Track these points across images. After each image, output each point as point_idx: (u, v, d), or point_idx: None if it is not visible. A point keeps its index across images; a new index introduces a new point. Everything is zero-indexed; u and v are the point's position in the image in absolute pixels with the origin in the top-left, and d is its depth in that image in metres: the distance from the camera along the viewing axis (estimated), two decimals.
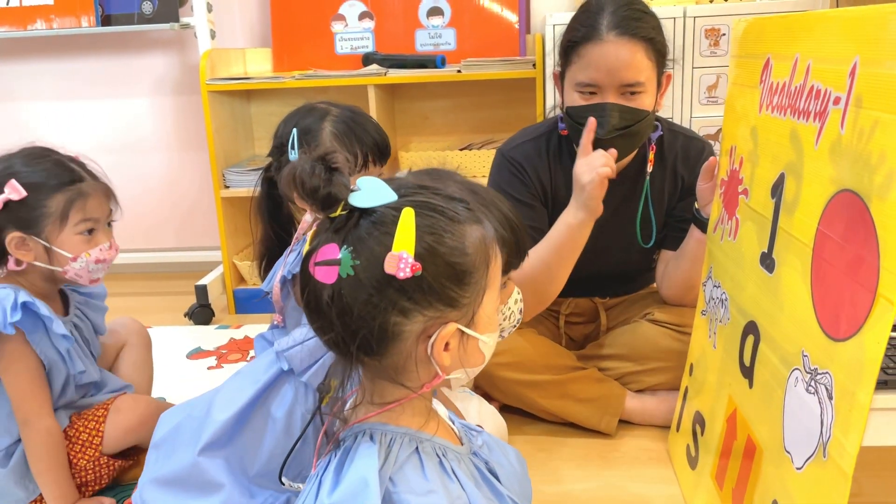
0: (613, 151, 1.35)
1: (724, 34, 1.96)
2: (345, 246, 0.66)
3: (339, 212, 0.68)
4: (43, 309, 1.22)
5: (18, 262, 1.23)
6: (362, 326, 0.67)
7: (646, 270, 1.66)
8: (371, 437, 0.72)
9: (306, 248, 0.70)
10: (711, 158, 1.36)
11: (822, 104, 0.86)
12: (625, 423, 1.54)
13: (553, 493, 1.34)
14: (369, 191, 0.68)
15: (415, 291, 0.66)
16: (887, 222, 0.72)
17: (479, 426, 0.88)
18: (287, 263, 1.17)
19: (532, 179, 1.52)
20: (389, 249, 0.65)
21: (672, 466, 1.40)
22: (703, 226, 1.40)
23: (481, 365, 0.76)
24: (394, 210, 0.67)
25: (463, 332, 0.71)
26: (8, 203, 1.19)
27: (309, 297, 0.69)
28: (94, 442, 1.31)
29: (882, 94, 0.73)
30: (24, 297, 1.20)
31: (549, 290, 1.46)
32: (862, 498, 1.27)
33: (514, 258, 0.76)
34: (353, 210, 0.68)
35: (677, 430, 1.42)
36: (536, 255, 1.39)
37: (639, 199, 1.56)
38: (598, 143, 1.39)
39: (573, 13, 1.46)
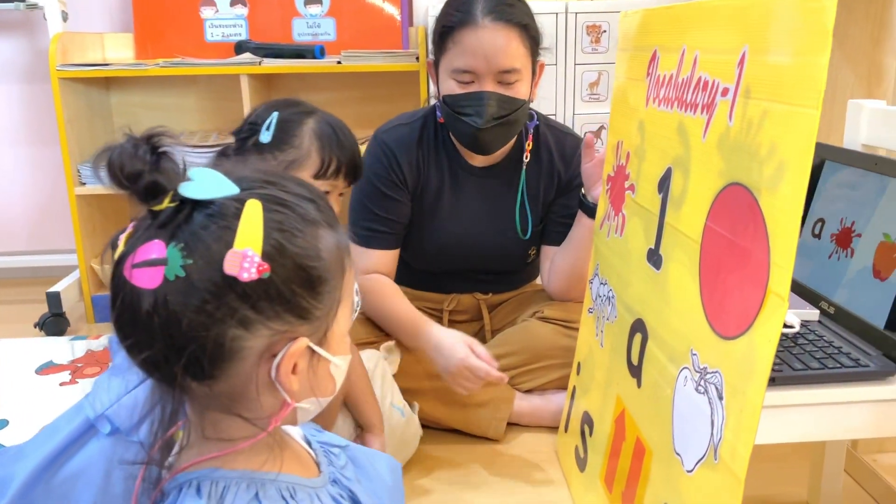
0: (502, 377, 1.31)
1: (605, 31, 1.97)
2: (173, 243, 0.55)
3: (165, 204, 0.56)
4: None
5: None
6: (192, 341, 0.55)
7: (522, 265, 1.65)
8: (198, 490, 0.60)
9: (119, 250, 0.57)
10: (587, 136, 1.38)
11: (709, 96, 0.84)
12: (513, 424, 1.50)
13: None
14: (205, 181, 0.57)
15: (260, 298, 0.56)
16: (777, 216, 0.69)
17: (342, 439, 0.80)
18: None
19: (399, 165, 1.50)
20: (230, 246, 0.55)
21: (561, 469, 1.37)
22: (590, 211, 1.40)
23: (332, 395, 0.66)
24: (237, 202, 0.57)
25: (314, 352, 0.62)
26: None
27: (122, 307, 0.56)
28: None
29: (771, 83, 0.71)
30: None
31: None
32: (745, 492, 1.27)
33: None
34: (183, 202, 0.57)
35: (566, 430, 1.39)
36: (383, 318, 1.49)
37: (514, 191, 1.56)
38: (477, 132, 1.38)
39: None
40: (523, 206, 1.55)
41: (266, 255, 0.56)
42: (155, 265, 0.54)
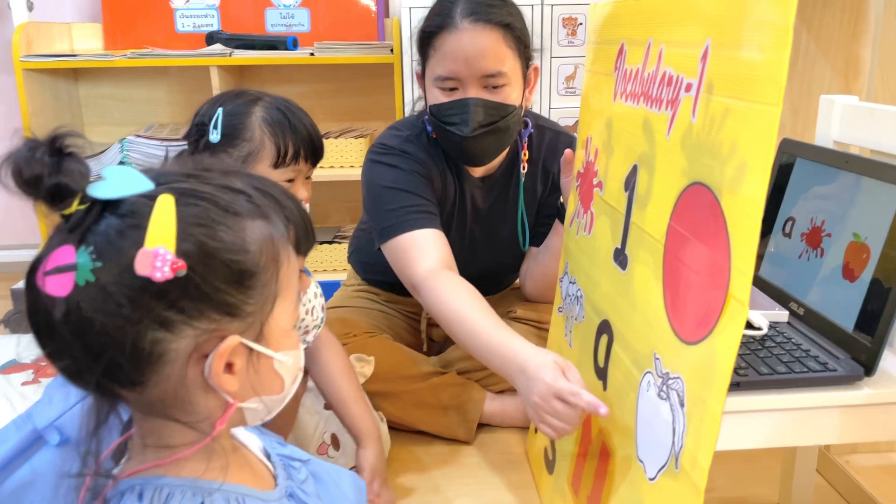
0: (602, 410, 0.92)
1: (581, 23, 1.94)
2: (83, 246, 0.52)
3: (75, 207, 0.53)
4: None
5: None
6: (108, 347, 0.53)
7: (514, 271, 1.62)
8: (140, 496, 0.58)
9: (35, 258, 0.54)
10: (567, 151, 1.32)
11: (674, 91, 0.81)
12: (484, 425, 1.48)
13: None
14: (116, 180, 0.54)
15: (180, 298, 0.53)
16: (738, 218, 0.67)
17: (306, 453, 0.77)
18: None
19: (428, 168, 1.39)
20: (142, 246, 0.52)
21: (531, 471, 1.34)
22: None
23: (281, 393, 0.63)
24: (148, 199, 0.54)
25: (251, 348, 0.59)
26: None
27: (38, 316, 0.53)
28: None
29: (734, 79, 0.68)
30: None
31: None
32: (716, 493, 1.26)
33: (303, 252, 0.65)
34: (93, 203, 0.53)
35: (535, 431, 1.37)
36: (457, 326, 1.16)
37: (514, 201, 1.50)
38: (463, 141, 1.30)
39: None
40: (522, 216, 1.50)
41: (182, 252, 0.53)
42: (65, 271, 0.52)
